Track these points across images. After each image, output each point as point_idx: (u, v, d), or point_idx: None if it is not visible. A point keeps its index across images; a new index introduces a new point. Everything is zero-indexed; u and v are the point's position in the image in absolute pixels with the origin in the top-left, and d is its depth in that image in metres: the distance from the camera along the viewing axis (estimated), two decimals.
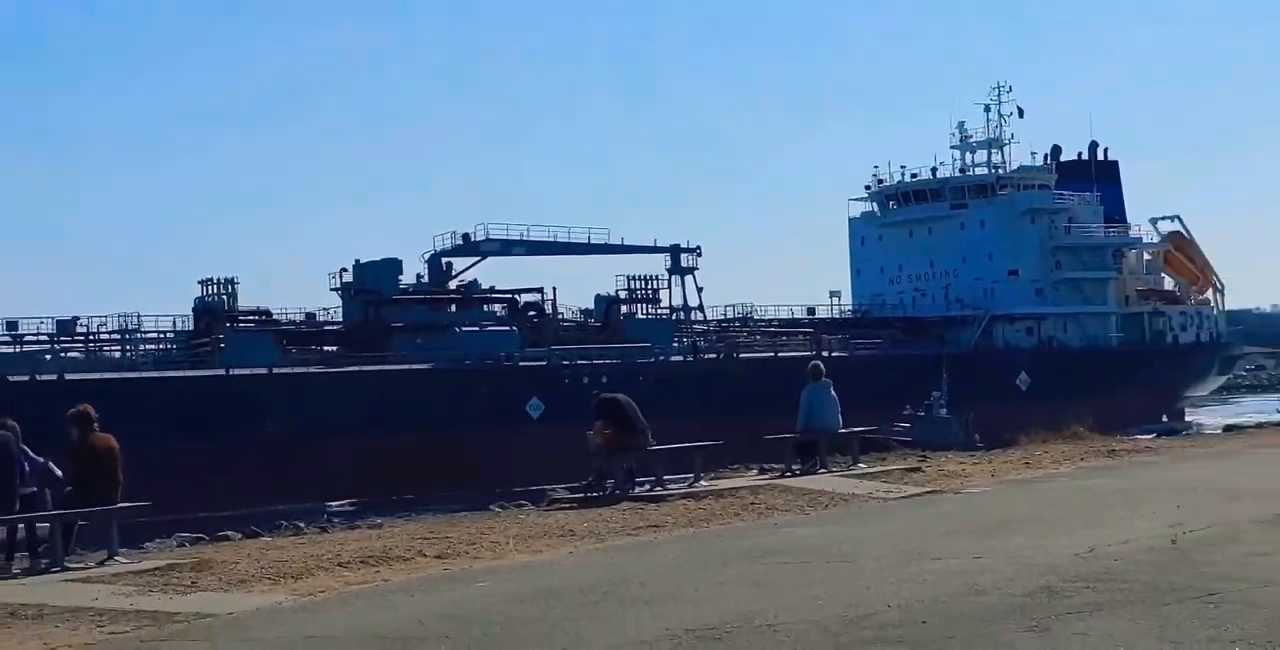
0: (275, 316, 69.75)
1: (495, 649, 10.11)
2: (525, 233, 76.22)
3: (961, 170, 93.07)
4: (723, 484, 23.89)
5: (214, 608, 12.87)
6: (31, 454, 16.96)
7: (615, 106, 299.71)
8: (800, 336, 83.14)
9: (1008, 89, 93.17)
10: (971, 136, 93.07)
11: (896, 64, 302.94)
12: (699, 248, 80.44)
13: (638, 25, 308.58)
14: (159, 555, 17.84)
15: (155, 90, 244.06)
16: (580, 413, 51.68)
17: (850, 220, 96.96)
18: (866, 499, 21.64)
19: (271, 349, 64.53)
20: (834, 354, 70.27)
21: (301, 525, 24.20)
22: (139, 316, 66.02)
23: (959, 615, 10.34)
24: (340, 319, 71.33)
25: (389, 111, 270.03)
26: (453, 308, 72.85)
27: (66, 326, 64.15)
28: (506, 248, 75.68)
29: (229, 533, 22.53)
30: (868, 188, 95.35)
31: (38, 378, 54.58)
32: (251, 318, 68.65)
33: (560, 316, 76.23)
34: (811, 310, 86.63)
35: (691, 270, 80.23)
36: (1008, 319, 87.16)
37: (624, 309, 77.41)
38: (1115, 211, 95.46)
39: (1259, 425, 42.73)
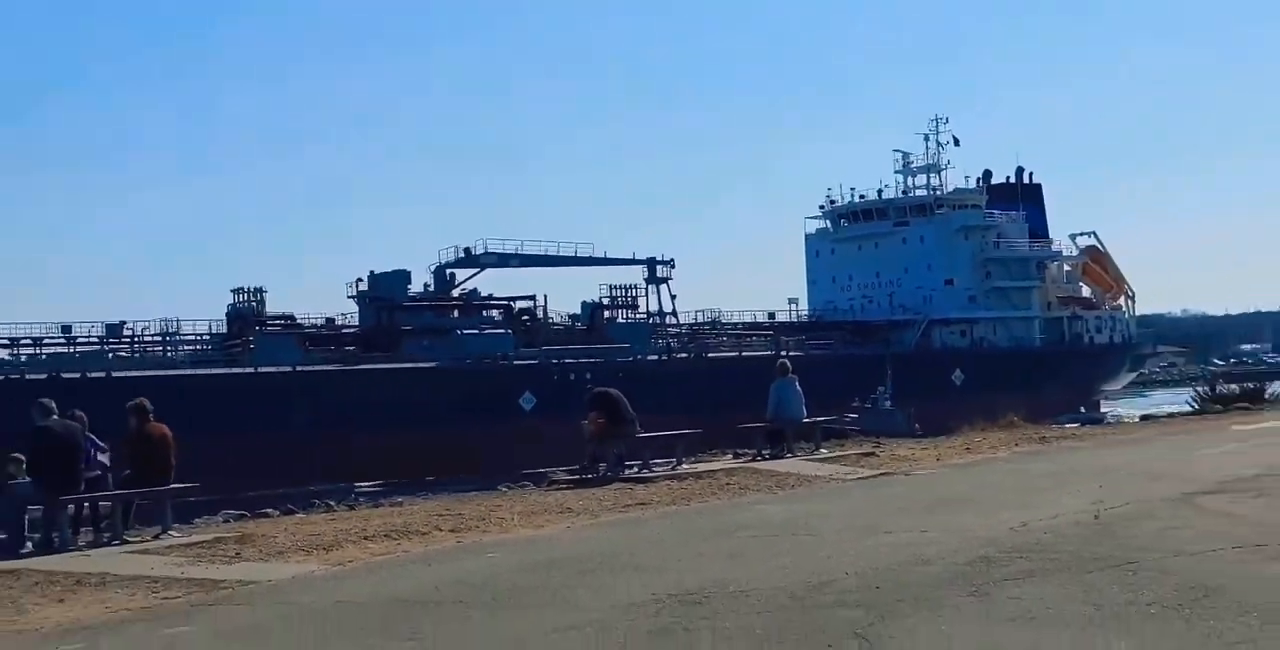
0: (299, 321, 69.42)
1: (502, 612, 10.09)
2: (520, 247, 76.12)
3: (904, 192, 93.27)
4: (701, 467, 23.91)
5: (255, 576, 12.86)
6: (98, 442, 16.95)
7: (602, 138, 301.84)
8: (762, 338, 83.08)
9: (945, 121, 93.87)
10: (913, 162, 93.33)
11: (848, 99, 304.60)
12: (672, 260, 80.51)
13: (619, 70, 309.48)
14: (207, 530, 17.84)
15: (199, 115, 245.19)
16: (568, 406, 51.86)
17: (807, 235, 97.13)
18: (827, 480, 21.72)
19: (295, 349, 64.38)
20: (791, 353, 69.80)
21: (332, 503, 24.06)
22: (178, 321, 66.03)
23: (908, 582, 10.36)
24: (357, 323, 71.08)
25: (402, 140, 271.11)
26: (455, 313, 72.67)
27: (114, 330, 63.91)
28: (503, 260, 75.49)
29: (268, 510, 22.56)
30: (822, 207, 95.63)
31: (88, 375, 54.33)
32: (278, 322, 68.33)
33: (550, 321, 75.93)
34: (772, 315, 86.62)
35: (666, 280, 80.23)
36: (944, 323, 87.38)
37: (606, 314, 77.22)
38: (1039, 228, 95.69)
39: (1171, 415, 42.86)
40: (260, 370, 60.04)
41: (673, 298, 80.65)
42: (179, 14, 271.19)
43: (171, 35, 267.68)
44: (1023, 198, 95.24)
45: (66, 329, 62.90)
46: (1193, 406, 44.87)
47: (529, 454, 49.30)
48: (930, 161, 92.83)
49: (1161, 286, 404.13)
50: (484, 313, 73.77)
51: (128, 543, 15.79)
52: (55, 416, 16.38)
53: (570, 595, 10.62)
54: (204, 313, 74.89)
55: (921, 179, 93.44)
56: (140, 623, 10.55)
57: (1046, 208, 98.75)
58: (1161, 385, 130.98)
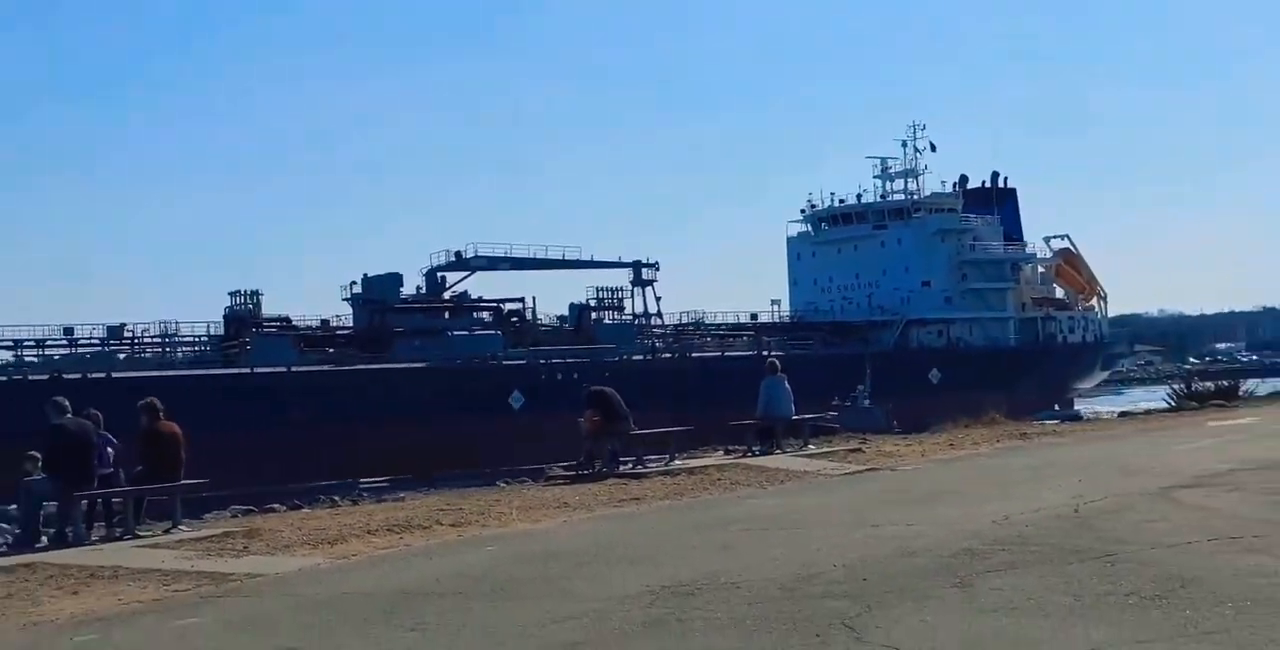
0: (294, 322, 69.05)
1: (502, 603, 10.11)
2: (509, 250, 75.83)
3: (882, 196, 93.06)
4: (694, 463, 23.98)
5: (263, 569, 12.91)
6: (112, 439, 16.99)
7: (592, 145, 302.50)
8: (744, 338, 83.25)
9: (922, 127, 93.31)
10: (891, 168, 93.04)
11: (831, 104, 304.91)
12: (657, 263, 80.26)
13: (610, 80, 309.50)
14: (216, 525, 17.86)
15: (201, 119, 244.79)
16: (555, 404, 51.74)
17: (788, 239, 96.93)
18: (816, 475, 21.74)
19: (291, 350, 64.23)
20: (773, 353, 70.22)
21: (336, 499, 24.21)
22: (177, 323, 65.72)
23: (895, 573, 10.40)
24: (350, 324, 70.79)
25: (398, 149, 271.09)
26: (446, 315, 72.38)
27: (115, 332, 63.60)
28: (493, 263, 75.26)
29: (275, 505, 22.63)
30: (803, 211, 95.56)
31: (89, 376, 54.16)
32: (274, 324, 68.00)
33: (539, 322, 75.79)
34: (754, 316, 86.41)
35: (651, 282, 79.89)
36: (921, 323, 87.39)
37: (593, 315, 77.11)
38: (1013, 231, 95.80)
39: (1148, 412, 42.93)
40: (257, 370, 59.83)
41: (657, 299, 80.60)
42: (179, 16, 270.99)
43: (173, 38, 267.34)
44: (998, 201, 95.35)
45: (69, 331, 62.55)
46: (1169, 403, 44.92)
47: (518, 450, 49.44)
48: (908, 166, 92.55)
49: (1139, 287, 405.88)
50: (474, 314, 73.63)
51: (139, 537, 15.83)
52: (69, 415, 16.43)
53: (567, 587, 10.66)
54: (202, 315, 74.42)
55: (899, 184, 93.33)
56: (151, 614, 10.61)
57: (1021, 211, 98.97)
58: (1138, 383, 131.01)
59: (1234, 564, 10.11)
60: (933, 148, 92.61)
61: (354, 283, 71.00)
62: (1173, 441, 25.52)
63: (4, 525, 16.58)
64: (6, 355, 61.83)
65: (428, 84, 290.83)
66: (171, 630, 9.78)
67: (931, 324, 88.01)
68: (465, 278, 75.29)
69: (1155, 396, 60.53)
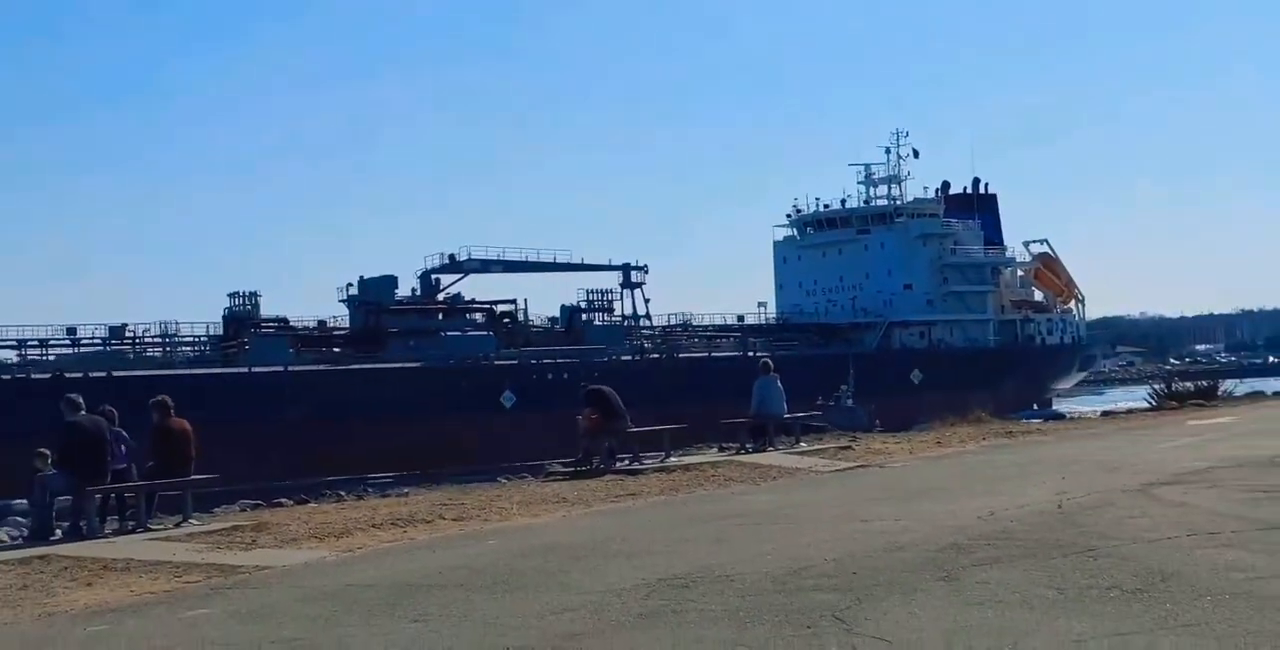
0: (292, 323, 69.02)
1: (502, 594, 10.12)
2: (501, 253, 75.98)
3: (866, 202, 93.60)
4: (688, 460, 24.10)
5: (270, 561, 12.94)
6: (125, 435, 17.04)
7: (584, 152, 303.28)
8: (731, 339, 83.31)
9: (905, 134, 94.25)
10: (874, 174, 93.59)
11: (818, 112, 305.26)
12: (646, 266, 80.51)
13: (598, 90, 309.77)
14: (225, 518, 17.95)
15: (200, 135, 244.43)
16: (546, 403, 51.49)
17: (775, 243, 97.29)
18: (807, 472, 21.80)
19: (288, 350, 64.20)
20: (758, 354, 70.27)
21: (342, 494, 24.29)
22: (177, 323, 65.75)
23: (883, 567, 10.40)
24: (346, 325, 70.70)
25: (394, 153, 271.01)
26: (440, 316, 72.31)
27: (117, 332, 63.53)
28: (486, 266, 75.32)
29: (282, 500, 22.65)
30: (789, 216, 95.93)
31: (90, 375, 54.01)
32: (272, 324, 67.92)
33: (530, 323, 75.81)
34: (741, 317, 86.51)
35: (640, 284, 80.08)
36: (903, 325, 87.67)
37: (584, 316, 77.04)
38: (993, 236, 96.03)
39: (1130, 411, 43.01)
40: (254, 370, 59.75)
41: (646, 301, 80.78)
42: (183, 24, 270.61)
43: (176, 45, 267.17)
44: (978, 207, 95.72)
45: (71, 330, 62.45)
46: (1151, 403, 45.00)
47: (509, 446, 49.51)
48: (891, 173, 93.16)
49: (1122, 290, 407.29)
50: (467, 316, 73.62)
51: (151, 530, 15.90)
52: (83, 412, 16.48)
53: (566, 579, 10.67)
54: (202, 316, 74.43)
55: (883, 189, 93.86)
56: (162, 605, 10.64)
57: (1001, 216, 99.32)
58: (1119, 383, 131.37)
59: (1212, 559, 10.11)
60: (915, 154, 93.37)
61: (350, 285, 71.05)
62: (1153, 440, 25.53)
63: (19, 519, 16.65)
64: (11, 355, 61.81)
65: (427, 88, 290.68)
66: (182, 620, 9.80)
67: (913, 326, 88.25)
68: (459, 280, 75.45)
69: (1134, 396, 60.57)
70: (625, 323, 79.15)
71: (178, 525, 16.33)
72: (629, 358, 72.21)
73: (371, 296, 69.98)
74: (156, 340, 65.18)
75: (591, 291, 78.61)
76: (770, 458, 24.16)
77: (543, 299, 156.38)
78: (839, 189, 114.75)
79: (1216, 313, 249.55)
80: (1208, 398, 43.06)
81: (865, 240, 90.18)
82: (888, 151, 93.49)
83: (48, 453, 16.00)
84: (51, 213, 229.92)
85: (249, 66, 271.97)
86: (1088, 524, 12.56)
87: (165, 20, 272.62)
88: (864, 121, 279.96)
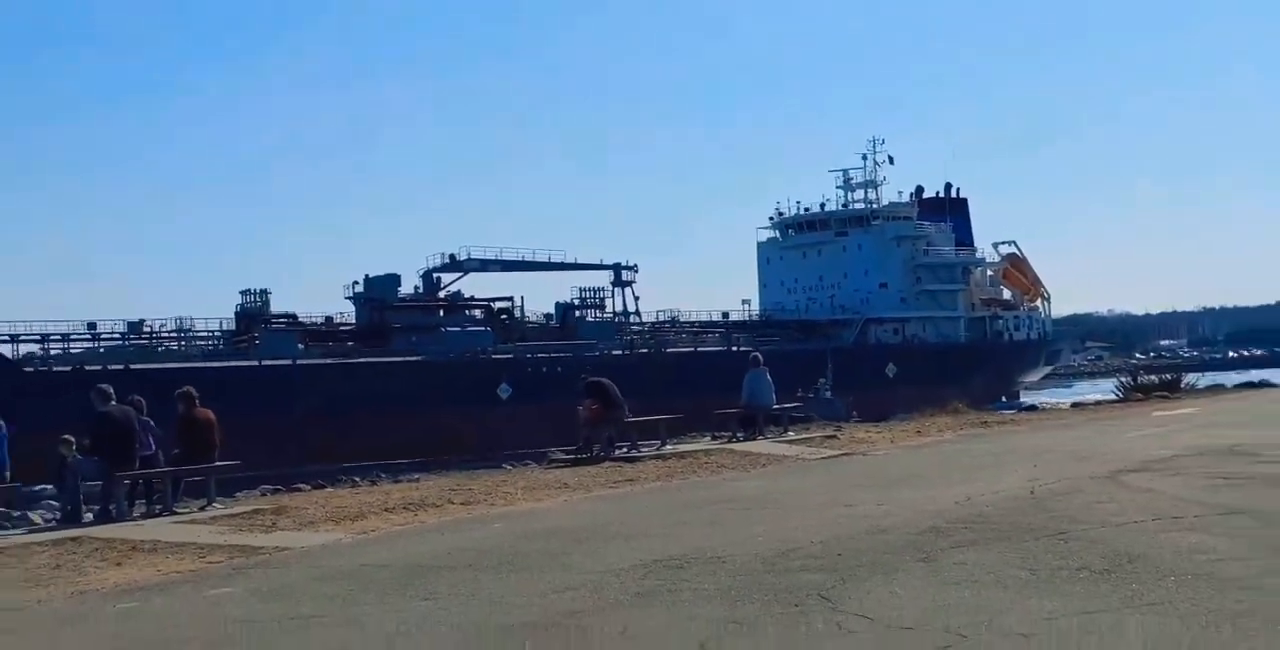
0: (300, 319, 68.96)
1: (507, 574, 10.18)
2: (499, 253, 75.96)
3: (844, 205, 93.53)
4: (683, 448, 24.22)
5: (289, 543, 13.01)
6: (152, 424, 17.10)
7: (578, 155, 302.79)
8: (716, 335, 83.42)
9: (881, 141, 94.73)
10: (852, 179, 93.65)
11: (801, 118, 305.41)
12: (636, 265, 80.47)
13: (592, 94, 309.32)
14: (247, 502, 17.99)
15: (207, 127, 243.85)
16: (540, 395, 51.31)
17: (758, 244, 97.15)
18: (795, 460, 21.87)
19: (296, 345, 64.17)
20: (742, 349, 70.38)
21: (357, 479, 24.33)
22: (192, 319, 65.94)
23: (866, 549, 10.48)
24: (352, 321, 70.74)
25: (394, 155, 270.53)
26: (441, 313, 72.29)
27: (135, 327, 63.57)
28: (485, 265, 75.27)
29: (301, 485, 22.74)
30: (771, 219, 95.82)
31: (108, 368, 53.87)
32: (281, 320, 67.85)
33: (526, 319, 75.82)
34: (726, 314, 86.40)
35: (630, 283, 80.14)
36: (879, 321, 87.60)
37: (577, 313, 77.20)
38: (964, 237, 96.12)
39: (1099, 402, 43.12)
40: (265, 363, 59.64)
41: (636, 299, 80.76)
42: (185, 25, 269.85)
43: (182, 47, 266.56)
44: (950, 210, 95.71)
45: (91, 326, 62.39)
46: (1118, 395, 45.15)
47: (505, 435, 49.50)
48: (868, 178, 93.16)
49: (1091, 289, 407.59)
50: (466, 312, 73.59)
51: (176, 514, 16.00)
52: (113, 402, 16.53)
53: (567, 560, 10.74)
54: (215, 312, 74.35)
55: (860, 193, 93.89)
56: (187, 584, 10.72)
57: (972, 219, 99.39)
58: (1086, 377, 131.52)
59: (1176, 542, 10.18)
60: (890, 161, 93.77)
61: (356, 283, 71.10)
62: (1121, 430, 25.63)
63: (51, 502, 16.69)
64: (35, 348, 61.69)
65: (427, 89, 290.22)
66: (206, 599, 9.88)
67: (888, 322, 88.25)
68: (459, 278, 75.38)
69: (1099, 389, 60.52)
70: (616, 319, 79.20)
71: (202, 509, 16.42)
72: (619, 352, 72.10)
73: (376, 294, 70.05)
74: (173, 335, 65.24)
75: (584, 289, 78.84)
76: (760, 446, 24.25)
77: (538, 296, 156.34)
78: (819, 193, 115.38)
79: (1180, 310, 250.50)
80: (1171, 390, 43.21)
81: (844, 242, 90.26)
82: (864, 158, 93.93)
83: (72, 440, 16.04)
84: (53, 213, 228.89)
85: (250, 67, 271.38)
86: (1059, 509, 12.62)
87: (168, 22, 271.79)
88: (864, 122, 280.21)
